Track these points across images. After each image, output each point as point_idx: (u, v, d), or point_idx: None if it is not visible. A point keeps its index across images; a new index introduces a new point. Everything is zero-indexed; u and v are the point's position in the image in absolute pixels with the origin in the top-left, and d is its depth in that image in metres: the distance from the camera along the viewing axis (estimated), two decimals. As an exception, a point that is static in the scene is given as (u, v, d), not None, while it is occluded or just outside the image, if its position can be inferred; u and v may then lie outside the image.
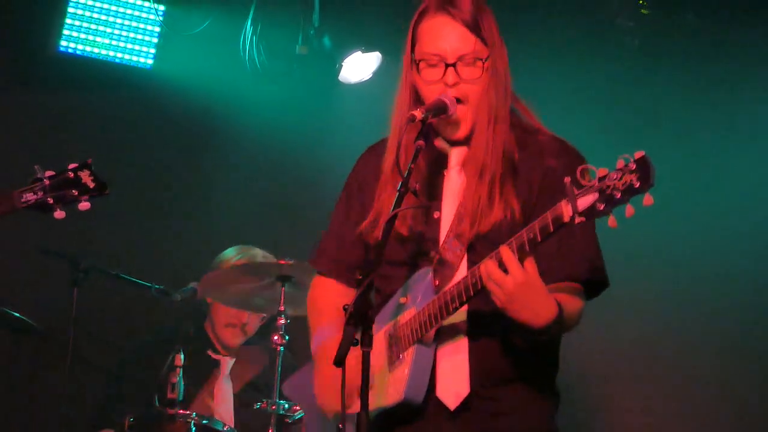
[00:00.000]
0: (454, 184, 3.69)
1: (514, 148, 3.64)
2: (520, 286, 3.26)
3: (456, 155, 3.72)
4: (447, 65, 3.59)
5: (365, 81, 7.29)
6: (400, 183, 3.40)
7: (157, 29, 7.22)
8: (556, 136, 3.72)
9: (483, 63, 3.60)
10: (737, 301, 6.99)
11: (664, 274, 7.09)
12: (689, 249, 7.05)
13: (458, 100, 3.59)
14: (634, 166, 2.96)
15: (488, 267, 3.29)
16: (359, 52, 7.22)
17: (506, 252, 3.26)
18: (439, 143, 3.73)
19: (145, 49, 7.21)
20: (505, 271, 3.26)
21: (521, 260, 3.26)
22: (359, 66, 7.27)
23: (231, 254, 6.37)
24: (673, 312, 7.06)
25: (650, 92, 7.17)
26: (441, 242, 3.63)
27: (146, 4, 7.15)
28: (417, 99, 3.68)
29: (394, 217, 3.36)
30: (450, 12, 3.61)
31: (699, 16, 6.93)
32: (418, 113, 3.46)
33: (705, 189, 7.10)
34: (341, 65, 7.23)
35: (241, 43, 7.18)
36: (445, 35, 3.61)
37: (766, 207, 6.98)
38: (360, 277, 3.25)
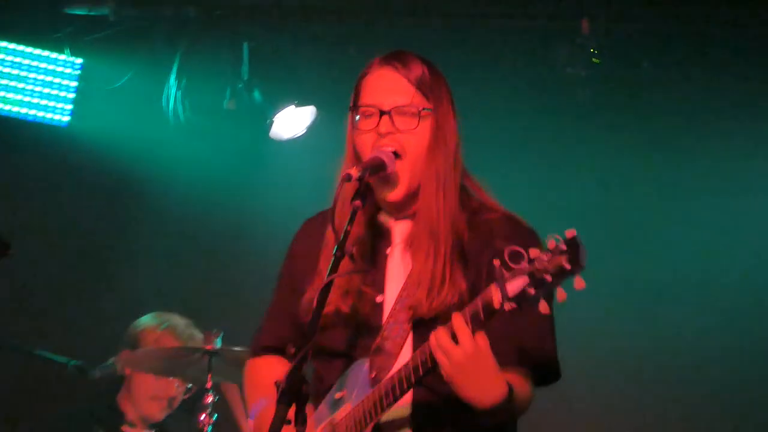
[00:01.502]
0: (397, 264, 3.53)
1: (463, 230, 3.49)
2: (470, 358, 3.09)
3: (400, 231, 3.55)
4: (382, 113, 3.46)
5: (299, 137, 7.22)
6: (335, 247, 3.26)
7: (74, 84, 7.13)
8: (508, 213, 3.56)
9: (420, 112, 3.47)
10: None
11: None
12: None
13: (396, 155, 3.44)
14: (565, 247, 2.84)
15: (439, 335, 3.12)
16: (293, 107, 7.16)
17: (458, 320, 3.09)
18: (382, 218, 3.59)
19: (60, 105, 7.11)
20: (456, 341, 3.10)
21: (473, 332, 3.11)
22: (292, 121, 7.20)
23: (149, 323, 6.16)
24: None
25: (603, 143, 7.19)
26: (382, 329, 3.49)
27: (62, 57, 7.09)
28: (357, 157, 3.53)
29: (329, 285, 3.23)
30: (395, 66, 3.53)
31: (653, 64, 6.99)
32: (355, 171, 3.34)
33: (653, 240, 7.17)
34: (272, 121, 7.16)
35: (164, 98, 7.11)
36: (384, 85, 3.52)
37: (721, 262, 7.10)
38: (293, 351, 3.11)
